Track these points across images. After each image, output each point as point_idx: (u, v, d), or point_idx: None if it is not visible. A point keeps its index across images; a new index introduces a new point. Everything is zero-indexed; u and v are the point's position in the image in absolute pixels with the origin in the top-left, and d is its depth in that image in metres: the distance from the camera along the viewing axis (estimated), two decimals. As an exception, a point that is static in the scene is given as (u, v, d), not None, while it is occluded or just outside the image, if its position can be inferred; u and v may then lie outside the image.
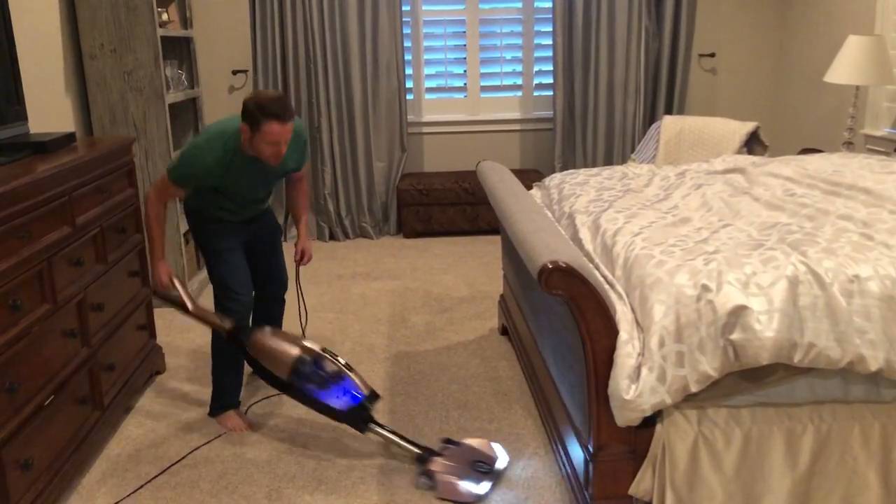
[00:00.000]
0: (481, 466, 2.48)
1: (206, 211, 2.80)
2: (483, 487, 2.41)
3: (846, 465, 2.06)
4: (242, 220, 2.86)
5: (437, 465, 2.48)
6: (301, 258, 3.04)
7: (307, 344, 2.63)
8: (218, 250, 2.78)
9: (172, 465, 2.62)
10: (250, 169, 2.69)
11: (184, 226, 4.11)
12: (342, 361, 2.61)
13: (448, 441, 2.60)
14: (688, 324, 1.95)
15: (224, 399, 2.89)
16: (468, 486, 2.40)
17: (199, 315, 2.75)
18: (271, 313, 3.15)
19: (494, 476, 2.49)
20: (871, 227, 2.25)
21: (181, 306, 2.76)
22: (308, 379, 2.59)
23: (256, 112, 2.47)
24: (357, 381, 2.59)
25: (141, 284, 3.16)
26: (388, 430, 2.60)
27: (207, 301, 4.12)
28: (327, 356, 2.61)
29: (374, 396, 2.60)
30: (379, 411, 2.94)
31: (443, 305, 4.06)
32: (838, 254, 2.06)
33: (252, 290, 2.85)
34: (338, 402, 2.58)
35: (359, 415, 2.58)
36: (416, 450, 2.55)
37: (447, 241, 5.29)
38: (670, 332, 1.96)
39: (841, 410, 2.07)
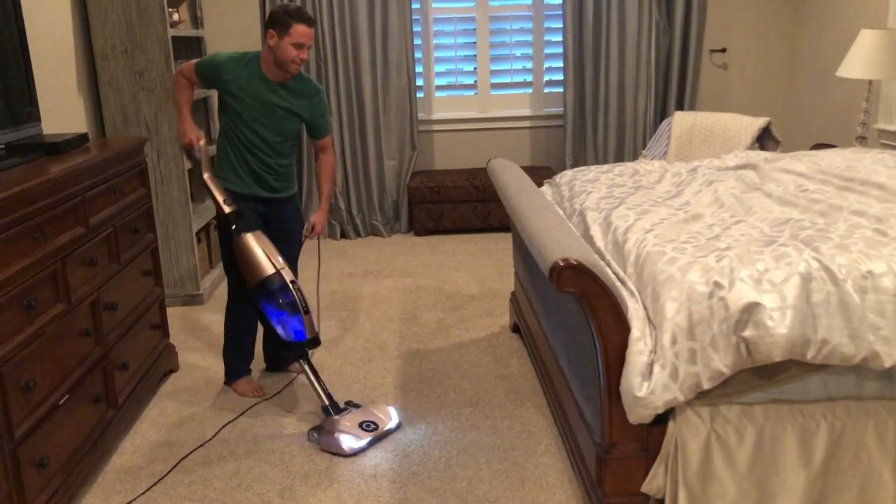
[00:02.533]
0: (368, 425, 2.70)
1: (228, 175, 2.95)
2: (360, 443, 2.64)
3: (861, 462, 2.05)
4: (261, 195, 2.98)
5: (329, 422, 2.69)
6: (311, 230, 3.10)
7: (284, 273, 2.75)
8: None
9: (183, 458, 2.63)
10: (263, 88, 2.87)
11: (196, 225, 4.13)
12: (306, 302, 2.75)
13: (349, 403, 2.85)
14: (700, 321, 1.95)
15: (236, 366, 3.12)
16: (348, 442, 2.63)
17: (209, 183, 2.87)
18: None
19: (379, 435, 2.71)
20: (885, 222, 2.23)
21: (197, 167, 2.92)
22: (266, 297, 2.74)
23: (285, 16, 2.75)
24: (307, 323, 2.74)
25: (154, 284, 3.17)
26: (312, 374, 2.79)
27: (219, 302, 4.15)
28: (295, 291, 2.73)
29: (314, 342, 2.77)
30: (391, 409, 2.95)
31: (454, 303, 4.06)
32: (851, 249, 2.04)
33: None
34: (282, 331, 2.76)
35: (294, 351, 2.79)
36: (325, 401, 2.75)
37: (458, 239, 5.29)
38: (682, 329, 1.95)
39: (855, 407, 2.05)
